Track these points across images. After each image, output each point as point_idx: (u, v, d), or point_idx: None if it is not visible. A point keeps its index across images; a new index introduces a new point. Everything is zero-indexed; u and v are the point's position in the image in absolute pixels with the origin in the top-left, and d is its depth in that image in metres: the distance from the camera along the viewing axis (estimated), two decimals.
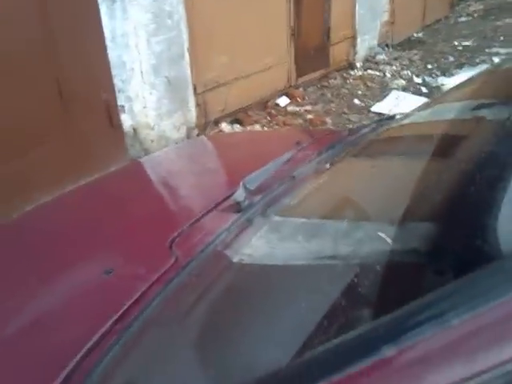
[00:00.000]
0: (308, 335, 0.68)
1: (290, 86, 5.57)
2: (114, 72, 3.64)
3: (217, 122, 4.56)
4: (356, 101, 5.54)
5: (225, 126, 4.61)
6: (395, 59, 7.11)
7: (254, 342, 0.78)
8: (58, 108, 3.21)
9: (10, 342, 1.04)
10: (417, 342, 0.42)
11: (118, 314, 0.98)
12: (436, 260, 0.80)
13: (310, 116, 4.98)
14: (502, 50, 7.10)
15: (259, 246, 1.18)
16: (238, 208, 1.36)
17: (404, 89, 5.88)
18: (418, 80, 6.24)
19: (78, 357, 0.92)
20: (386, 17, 7.46)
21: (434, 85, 6.01)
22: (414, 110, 1.66)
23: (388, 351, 0.41)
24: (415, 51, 7.59)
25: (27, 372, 0.94)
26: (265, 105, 5.20)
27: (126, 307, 1.00)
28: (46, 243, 1.37)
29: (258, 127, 4.68)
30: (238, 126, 4.72)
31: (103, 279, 1.12)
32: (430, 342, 0.41)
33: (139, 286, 1.06)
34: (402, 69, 6.71)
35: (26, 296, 1.15)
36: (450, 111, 1.41)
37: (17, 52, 2.94)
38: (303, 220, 1.26)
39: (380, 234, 0.98)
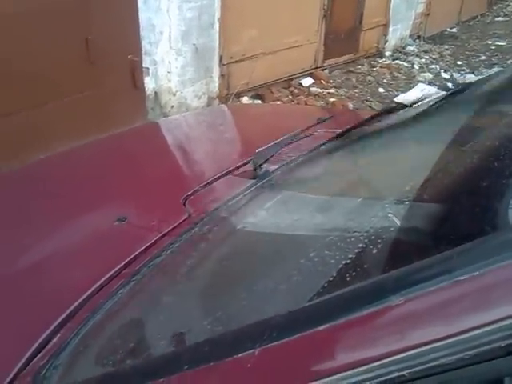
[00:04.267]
0: (308, 291, 0.70)
1: (316, 67, 5.52)
2: (142, 34, 3.63)
3: (238, 95, 4.55)
4: (380, 89, 5.49)
5: (246, 100, 4.60)
6: (425, 52, 7.00)
7: (259, 294, 0.80)
8: (85, 63, 3.23)
9: (19, 279, 1.06)
10: (423, 294, 0.44)
11: (127, 259, 1.01)
12: (441, 240, 0.81)
13: (332, 99, 4.94)
14: None
15: (268, 214, 1.20)
16: (253, 175, 1.38)
17: (430, 82, 5.79)
18: (445, 75, 6.15)
19: (84, 296, 0.95)
20: (421, 8, 7.32)
21: (462, 82, 5.91)
22: (433, 99, 1.65)
23: (395, 299, 0.44)
24: (447, 46, 7.46)
25: (33, 308, 0.97)
26: (288, 83, 5.17)
27: (135, 254, 1.02)
28: (61, 189, 1.40)
29: None
30: (260, 101, 4.71)
31: (116, 226, 1.15)
32: (435, 294, 0.43)
33: (151, 236, 1.08)
34: (431, 62, 6.61)
35: (38, 236, 1.18)
36: (468, 103, 1.42)
37: (48, 7, 2.95)
38: (314, 195, 1.27)
39: (390, 214, 0.99)
